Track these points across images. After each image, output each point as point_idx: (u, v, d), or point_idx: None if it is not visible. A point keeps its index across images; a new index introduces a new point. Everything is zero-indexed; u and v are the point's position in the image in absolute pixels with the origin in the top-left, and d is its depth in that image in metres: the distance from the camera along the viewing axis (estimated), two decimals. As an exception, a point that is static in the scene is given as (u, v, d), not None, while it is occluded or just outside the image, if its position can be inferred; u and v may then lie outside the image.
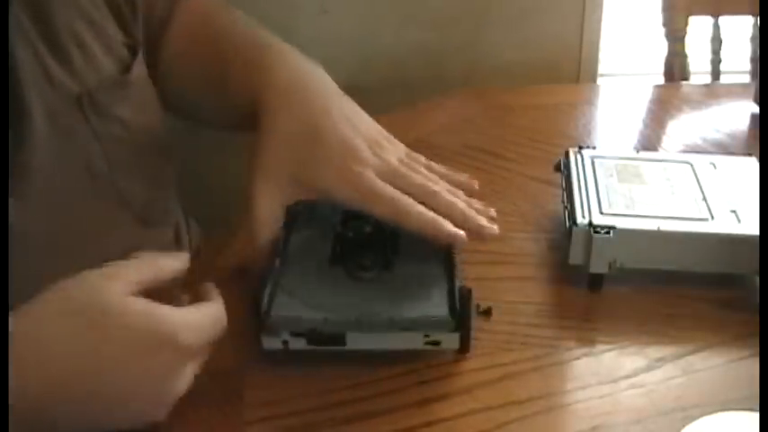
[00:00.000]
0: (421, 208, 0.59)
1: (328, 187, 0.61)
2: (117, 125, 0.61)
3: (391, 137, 0.67)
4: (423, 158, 0.67)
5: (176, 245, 0.74)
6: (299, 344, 0.56)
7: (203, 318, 0.50)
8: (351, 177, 0.60)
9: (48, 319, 0.46)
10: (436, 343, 0.56)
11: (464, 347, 0.58)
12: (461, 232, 0.59)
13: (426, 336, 0.56)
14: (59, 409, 0.45)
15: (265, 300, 0.57)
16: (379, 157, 0.62)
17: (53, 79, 0.56)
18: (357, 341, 0.56)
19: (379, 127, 0.67)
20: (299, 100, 0.63)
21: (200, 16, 0.74)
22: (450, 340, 0.57)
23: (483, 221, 0.61)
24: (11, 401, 0.43)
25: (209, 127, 0.78)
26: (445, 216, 0.60)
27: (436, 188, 0.62)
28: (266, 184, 0.61)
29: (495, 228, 0.61)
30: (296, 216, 0.64)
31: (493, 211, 0.64)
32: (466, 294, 0.56)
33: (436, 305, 0.57)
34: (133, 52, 0.65)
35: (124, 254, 0.60)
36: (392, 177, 0.61)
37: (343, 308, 0.57)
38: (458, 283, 0.58)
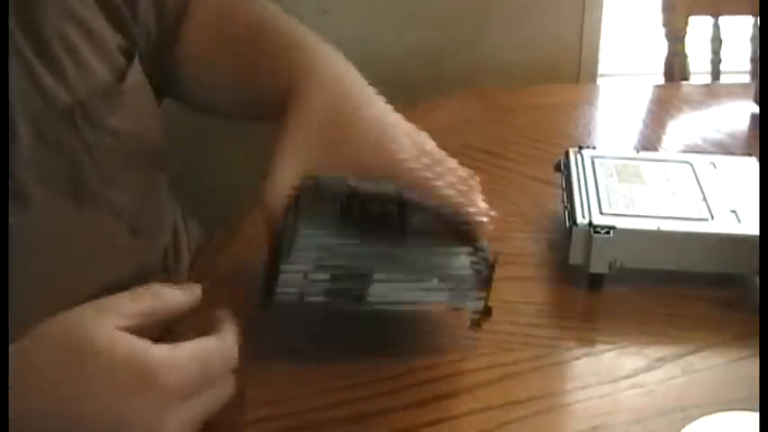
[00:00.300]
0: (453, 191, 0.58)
1: (363, 165, 0.58)
2: (109, 136, 0.59)
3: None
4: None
5: (174, 250, 0.74)
6: (316, 290, 0.53)
7: (191, 357, 0.47)
8: (389, 157, 0.58)
9: (39, 353, 0.46)
10: (461, 298, 0.54)
11: (487, 311, 0.56)
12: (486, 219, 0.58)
13: (451, 290, 0.55)
14: None
15: (284, 249, 0.54)
16: (420, 150, 0.60)
17: (43, 89, 0.54)
18: (380, 292, 0.53)
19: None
20: (337, 92, 0.61)
21: (220, 12, 0.70)
22: (474, 302, 0.55)
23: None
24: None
25: (223, 118, 0.76)
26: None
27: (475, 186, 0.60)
28: (293, 151, 0.58)
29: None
30: (302, 193, 0.60)
31: None
32: (494, 257, 0.55)
33: (459, 264, 0.55)
34: (129, 57, 0.63)
35: (118, 264, 0.59)
36: (433, 166, 0.59)
37: (364, 255, 0.55)
38: (485, 245, 0.57)
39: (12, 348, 0.45)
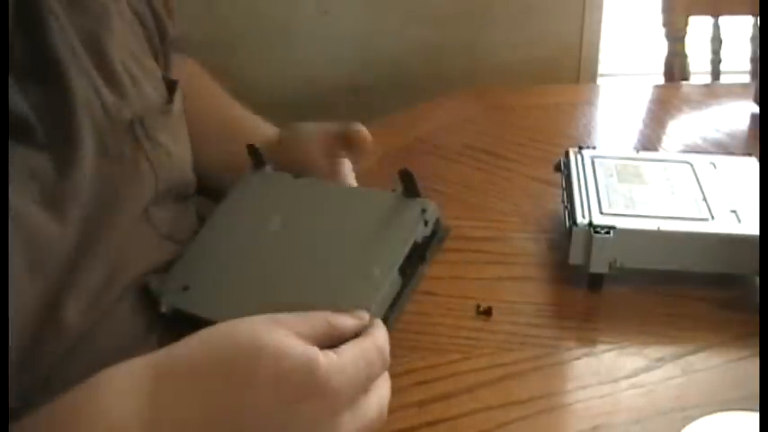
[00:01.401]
0: None
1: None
2: (163, 151, 0.61)
3: None
4: None
5: None
6: None
7: (355, 359, 0.46)
8: None
9: (205, 359, 0.45)
10: None
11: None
12: None
13: None
14: None
15: None
16: None
17: (107, 105, 0.57)
18: None
19: None
20: None
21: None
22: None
23: None
24: None
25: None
26: None
27: None
28: None
29: None
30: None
31: None
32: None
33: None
34: (171, 89, 0.66)
35: (150, 262, 0.60)
36: None
37: None
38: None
39: (174, 350, 0.45)
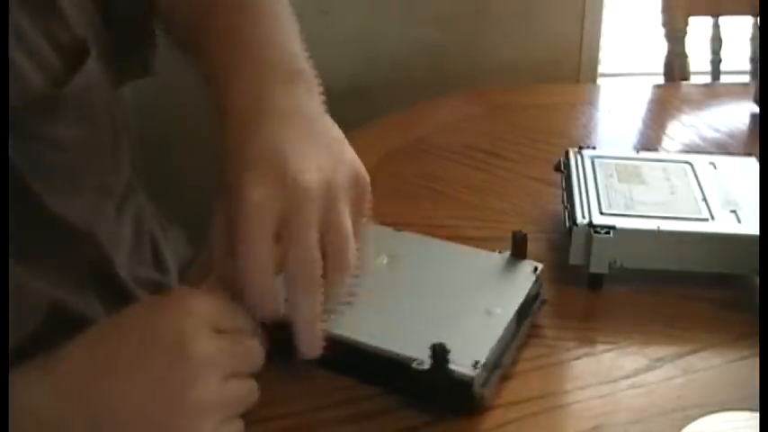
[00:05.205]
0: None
1: None
2: (47, 146, 0.55)
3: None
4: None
5: (157, 264, 0.72)
6: None
7: (217, 295, 0.51)
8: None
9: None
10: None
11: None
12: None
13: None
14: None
15: None
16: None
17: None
18: None
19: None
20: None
21: None
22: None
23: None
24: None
25: None
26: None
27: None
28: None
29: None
30: None
31: None
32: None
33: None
34: (78, 56, 0.58)
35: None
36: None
37: None
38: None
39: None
